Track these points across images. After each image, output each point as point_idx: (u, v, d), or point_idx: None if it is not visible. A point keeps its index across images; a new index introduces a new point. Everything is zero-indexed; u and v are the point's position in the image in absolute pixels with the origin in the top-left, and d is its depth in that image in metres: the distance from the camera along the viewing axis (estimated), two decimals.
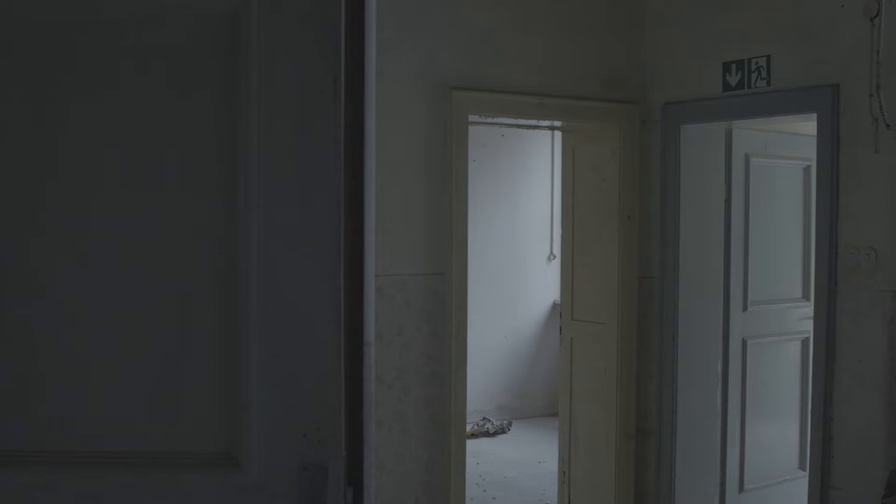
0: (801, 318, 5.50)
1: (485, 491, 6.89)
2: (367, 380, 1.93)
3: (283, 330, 1.85)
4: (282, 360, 1.85)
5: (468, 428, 6.49)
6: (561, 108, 5.22)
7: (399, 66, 4.60)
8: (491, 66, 4.94)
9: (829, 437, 4.48)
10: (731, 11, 4.95)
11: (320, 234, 1.84)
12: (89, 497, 1.89)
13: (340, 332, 1.85)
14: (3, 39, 1.87)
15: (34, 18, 1.89)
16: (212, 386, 1.89)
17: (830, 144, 4.45)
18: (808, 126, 4.89)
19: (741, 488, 5.42)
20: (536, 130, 6.47)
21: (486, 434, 8.50)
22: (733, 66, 4.91)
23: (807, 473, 4.72)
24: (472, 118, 4.95)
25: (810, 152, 4.79)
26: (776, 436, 5.56)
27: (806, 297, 5.49)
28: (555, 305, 8.98)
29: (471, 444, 6.15)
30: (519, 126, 6.16)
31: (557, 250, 8.08)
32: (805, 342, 5.45)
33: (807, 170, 5.41)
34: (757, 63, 4.79)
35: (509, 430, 8.67)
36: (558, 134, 6.72)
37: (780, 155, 5.50)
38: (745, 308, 5.41)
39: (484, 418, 8.67)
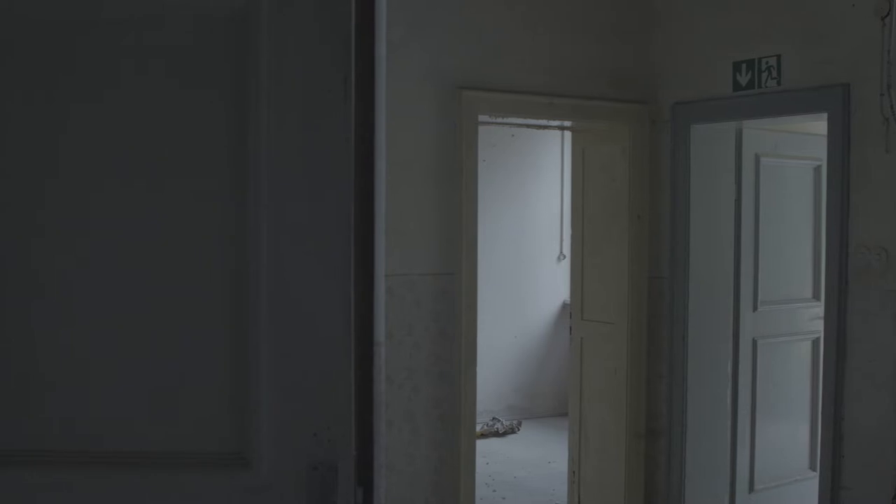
0: (812, 317, 5.49)
1: (494, 491, 6.88)
2: (378, 380, 1.92)
3: (292, 329, 1.84)
4: (291, 359, 1.84)
5: (478, 428, 6.49)
6: (570, 108, 5.21)
7: (408, 65, 4.60)
8: (500, 65, 4.95)
9: (840, 437, 4.46)
10: (741, 11, 4.94)
11: (330, 234, 1.83)
12: (94, 497, 1.88)
13: (350, 331, 1.84)
14: (3, 39, 1.87)
15: (34, 18, 1.88)
16: (220, 385, 1.88)
17: (841, 144, 4.44)
18: (818, 126, 4.87)
19: (751, 488, 5.40)
20: (546, 130, 6.47)
21: (496, 434, 8.49)
22: (743, 65, 4.89)
23: (817, 473, 4.71)
24: (481, 118, 4.95)
25: (821, 152, 4.78)
26: (786, 436, 5.54)
27: (816, 296, 5.48)
28: (564, 305, 8.97)
29: (480, 444, 6.16)
30: (529, 126, 6.15)
31: (567, 250, 8.06)
32: (815, 342, 5.44)
33: (817, 169, 5.39)
34: (767, 63, 4.78)
35: (519, 430, 8.67)
36: (568, 134, 6.72)
37: (791, 155, 5.49)
38: (755, 308, 5.39)
39: (494, 418, 8.67)
